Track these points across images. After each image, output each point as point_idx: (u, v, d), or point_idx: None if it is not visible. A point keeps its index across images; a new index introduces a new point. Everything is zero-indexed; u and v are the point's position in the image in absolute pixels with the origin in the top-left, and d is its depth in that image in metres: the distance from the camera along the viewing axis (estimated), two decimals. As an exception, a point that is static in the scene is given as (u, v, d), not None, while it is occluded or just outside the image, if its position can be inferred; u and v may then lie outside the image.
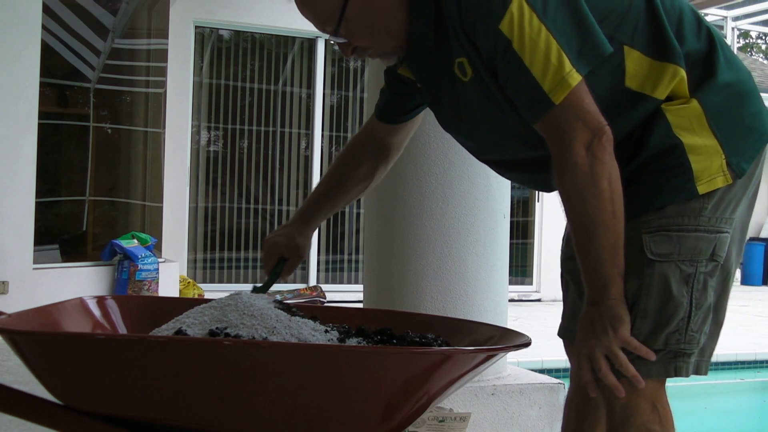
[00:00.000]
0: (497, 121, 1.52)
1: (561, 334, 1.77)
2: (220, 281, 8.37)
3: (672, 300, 1.45)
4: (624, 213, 1.43)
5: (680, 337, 1.47)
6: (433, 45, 1.49)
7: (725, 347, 5.78)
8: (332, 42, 1.54)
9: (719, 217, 1.48)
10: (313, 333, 1.40)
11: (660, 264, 1.45)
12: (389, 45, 1.52)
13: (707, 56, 1.49)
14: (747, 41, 24.10)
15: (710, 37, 1.51)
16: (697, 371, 1.54)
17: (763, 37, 24.70)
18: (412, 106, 1.78)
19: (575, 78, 1.37)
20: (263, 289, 1.71)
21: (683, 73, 1.46)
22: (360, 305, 2.98)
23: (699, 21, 1.53)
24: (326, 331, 1.41)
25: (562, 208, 1.44)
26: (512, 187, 3.22)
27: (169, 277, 6.57)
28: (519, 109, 1.45)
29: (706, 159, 1.45)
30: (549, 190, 1.70)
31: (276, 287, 8.98)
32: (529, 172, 1.67)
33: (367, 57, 1.57)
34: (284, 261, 1.80)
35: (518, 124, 1.50)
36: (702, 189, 1.45)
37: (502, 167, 1.73)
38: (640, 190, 1.46)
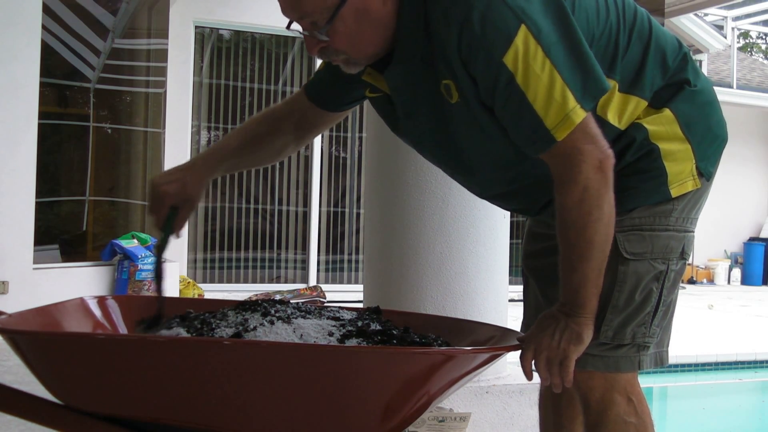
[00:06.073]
0: (479, 146, 1.51)
1: (524, 331, 1.77)
2: (220, 281, 8.37)
3: (642, 296, 1.51)
4: None
5: (645, 331, 1.54)
6: (419, 62, 1.44)
7: (725, 347, 5.79)
8: (300, 32, 1.42)
9: (686, 217, 1.54)
10: (315, 334, 1.40)
11: (634, 262, 1.50)
12: (365, 54, 1.45)
13: (681, 73, 1.55)
14: (747, 41, 24.09)
15: (684, 55, 1.57)
16: (661, 362, 1.60)
17: (763, 37, 24.69)
18: (356, 97, 1.68)
19: (579, 115, 1.35)
20: (162, 248, 1.58)
21: (645, 103, 1.51)
22: (360, 305, 2.98)
23: (679, 45, 1.58)
24: (330, 334, 1.41)
25: (558, 225, 1.43)
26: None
27: (169, 277, 6.58)
28: (518, 143, 1.43)
29: (679, 163, 1.51)
30: (510, 209, 1.80)
31: (275, 287, 8.90)
32: (498, 193, 1.66)
33: (330, 60, 1.48)
34: (176, 211, 1.60)
35: (499, 151, 1.50)
36: (674, 192, 1.51)
37: (470, 184, 1.70)
38: (615, 191, 1.48)
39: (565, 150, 1.37)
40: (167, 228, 1.60)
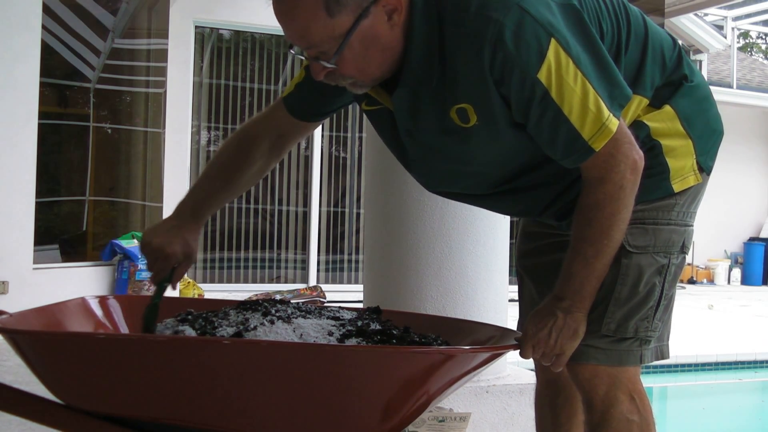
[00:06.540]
0: (490, 161, 1.51)
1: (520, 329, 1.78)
2: (220, 281, 8.37)
3: (645, 289, 1.52)
4: None
5: (648, 325, 1.55)
6: (427, 86, 1.43)
7: (725, 347, 5.79)
8: (304, 57, 1.40)
9: (686, 211, 1.57)
10: (315, 333, 1.40)
11: (637, 255, 1.52)
12: (372, 77, 1.43)
13: (678, 70, 1.57)
14: (747, 41, 24.09)
15: (679, 51, 1.59)
16: (662, 356, 1.61)
17: (763, 37, 24.69)
18: (338, 106, 1.67)
19: (614, 123, 1.37)
20: (155, 306, 1.58)
21: (646, 101, 1.52)
22: (360, 305, 2.98)
23: (674, 42, 1.59)
24: (330, 333, 1.41)
25: (579, 222, 1.44)
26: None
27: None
28: (553, 156, 1.44)
29: (681, 159, 1.53)
30: (510, 214, 1.84)
31: (276, 287, 8.88)
32: (500, 202, 1.67)
33: (337, 83, 1.45)
34: (174, 267, 1.65)
35: (512, 164, 1.51)
36: (677, 187, 1.54)
37: (459, 197, 1.71)
38: None
39: (603, 155, 1.39)
40: (164, 283, 1.64)
